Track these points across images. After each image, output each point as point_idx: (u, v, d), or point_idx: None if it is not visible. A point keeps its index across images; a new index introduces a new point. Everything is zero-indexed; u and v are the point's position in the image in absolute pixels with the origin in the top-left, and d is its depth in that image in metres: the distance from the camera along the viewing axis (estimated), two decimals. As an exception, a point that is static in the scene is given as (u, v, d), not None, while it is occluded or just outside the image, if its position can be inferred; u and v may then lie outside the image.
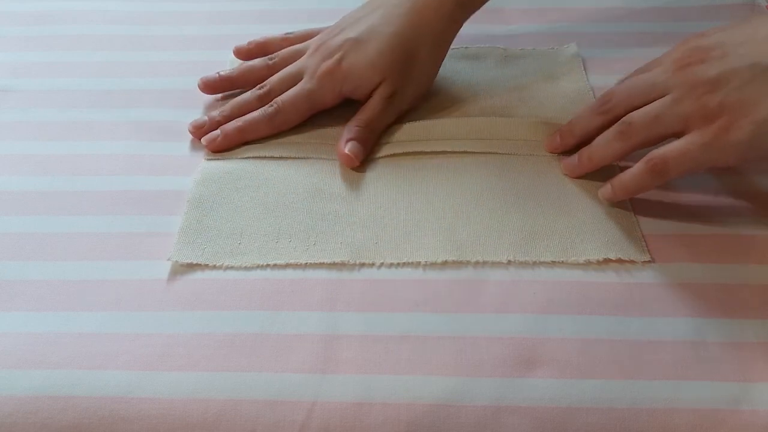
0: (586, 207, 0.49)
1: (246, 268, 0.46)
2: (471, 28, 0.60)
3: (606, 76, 0.59)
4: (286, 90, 0.56)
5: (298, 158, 0.54)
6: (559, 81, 0.60)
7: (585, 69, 0.61)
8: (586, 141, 0.51)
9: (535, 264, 0.46)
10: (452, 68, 0.61)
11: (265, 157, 0.54)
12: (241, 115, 0.55)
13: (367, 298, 0.44)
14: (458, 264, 0.46)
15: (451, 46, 0.58)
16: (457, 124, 0.55)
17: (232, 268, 0.46)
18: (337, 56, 0.55)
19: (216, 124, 0.55)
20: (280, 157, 0.54)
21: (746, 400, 0.39)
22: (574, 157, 0.51)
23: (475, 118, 0.56)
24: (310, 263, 0.46)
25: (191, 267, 0.46)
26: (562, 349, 0.41)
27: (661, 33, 0.66)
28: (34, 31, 0.68)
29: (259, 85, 0.57)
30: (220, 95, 0.60)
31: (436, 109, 0.57)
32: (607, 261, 0.46)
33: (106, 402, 0.40)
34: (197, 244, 0.47)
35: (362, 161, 0.53)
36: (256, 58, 0.60)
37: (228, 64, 0.63)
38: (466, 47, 0.64)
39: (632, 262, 0.46)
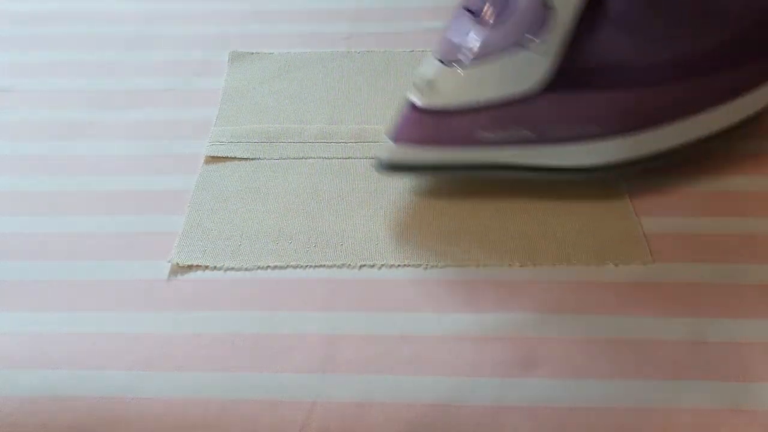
0: (587, 207, 0.49)
1: (246, 269, 0.46)
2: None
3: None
4: None
5: (298, 158, 0.54)
6: None
7: None
8: None
9: (536, 264, 0.46)
10: None
11: (264, 158, 0.54)
12: None
13: (367, 298, 0.44)
14: (458, 264, 0.46)
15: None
16: None
17: (232, 269, 0.46)
18: None
19: None
20: (280, 158, 0.54)
21: (746, 400, 0.39)
22: None
23: None
24: (311, 264, 0.46)
25: (191, 267, 0.46)
26: (562, 349, 0.41)
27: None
28: (34, 31, 0.68)
29: None
30: (220, 95, 0.60)
31: None
32: (607, 261, 0.46)
33: (106, 402, 0.40)
34: (198, 246, 0.47)
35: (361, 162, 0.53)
36: None
37: (227, 63, 0.63)
38: None
39: (632, 262, 0.46)
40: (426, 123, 0.45)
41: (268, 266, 0.46)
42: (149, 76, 0.63)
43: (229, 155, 0.54)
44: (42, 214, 0.50)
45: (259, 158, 0.54)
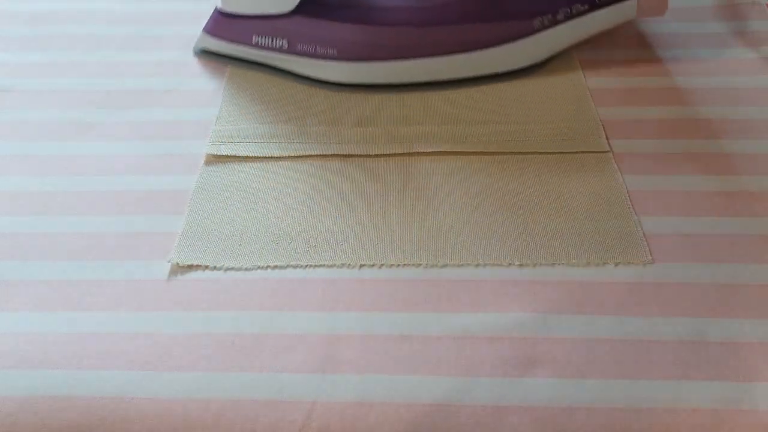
0: (587, 207, 0.49)
1: (246, 269, 0.46)
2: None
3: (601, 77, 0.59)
4: None
5: (298, 158, 0.54)
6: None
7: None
8: None
9: (536, 264, 0.46)
10: None
11: (264, 158, 0.54)
12: None
13: (367, 298, 0.44)
14: (458, 264, 0.46)
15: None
16: (461, 131, 0.56)
17: (232, 269, 0.46)
18: None
19: None
20: (280, 158, 0.54)
21: (746, 400, 0.39)
22: None
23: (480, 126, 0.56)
24: (311, 264, 0.46)
25: (191, 267, 0.46)
26: (562, 349, 0.41)
27: (666, 33, 0.66)
28: (34, 31, 0.68)
29: None
30: (220, 95, 0.60)
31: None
32: (607, 261, 0.46)
33: (106, 402, 0.40)
34: (198, 246, 0.47)
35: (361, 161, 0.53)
36: None
37: (227, 64, 0.63)
38: None
39: (632, 262, 0.46)
40: (221, 22, 0.61)
41: (268, 266, 0.46)
42: (149, 76, 0.62)
43: (229, 154, 0.54)
44: (42, 214, 0.50)
45: (259, 158, 0.54)
